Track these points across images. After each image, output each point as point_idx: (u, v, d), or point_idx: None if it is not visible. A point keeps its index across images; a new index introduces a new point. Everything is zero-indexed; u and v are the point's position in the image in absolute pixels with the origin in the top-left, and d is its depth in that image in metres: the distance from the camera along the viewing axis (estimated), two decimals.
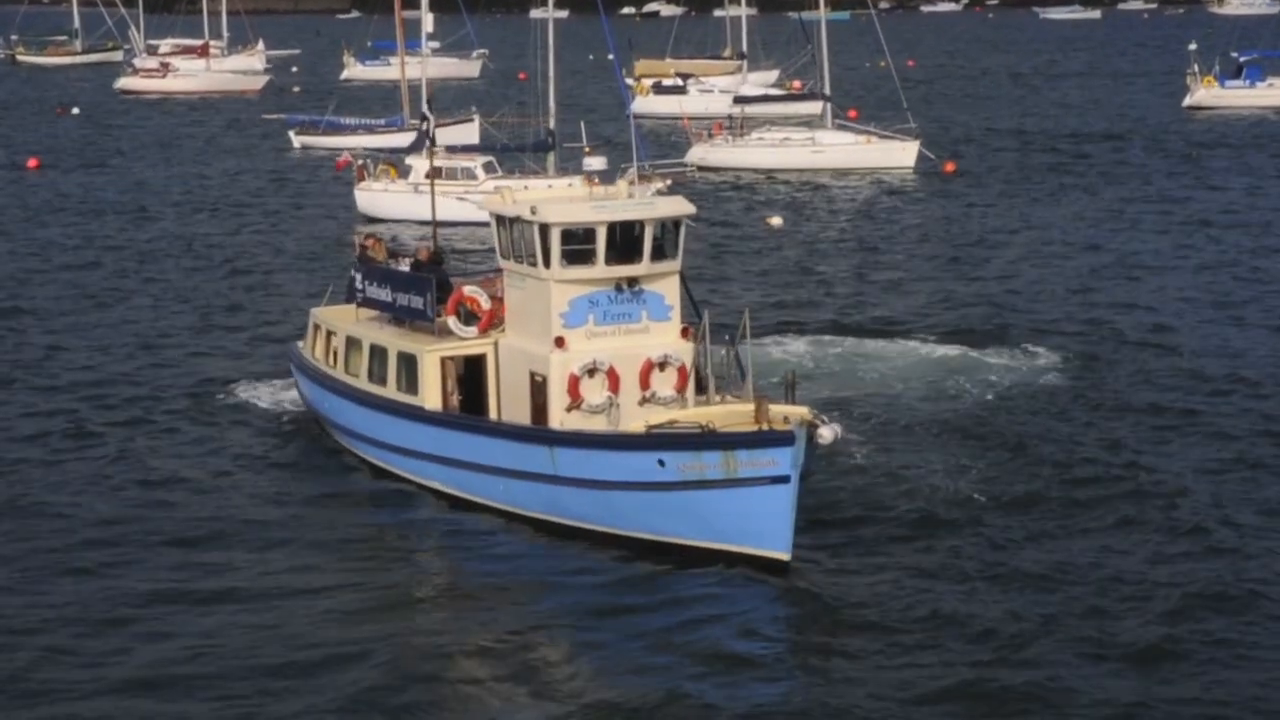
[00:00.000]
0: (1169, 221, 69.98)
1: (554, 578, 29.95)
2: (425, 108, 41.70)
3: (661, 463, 30.05)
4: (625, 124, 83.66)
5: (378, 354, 35.82)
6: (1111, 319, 49.79)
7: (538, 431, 32.23)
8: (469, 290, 34.49)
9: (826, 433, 29.70)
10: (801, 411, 30.23)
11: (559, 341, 32.16)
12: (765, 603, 28.36)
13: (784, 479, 29.02)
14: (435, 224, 43.13)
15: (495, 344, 33.87)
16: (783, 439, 28.99)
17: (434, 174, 46.49)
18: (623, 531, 31.08)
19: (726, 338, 33.58)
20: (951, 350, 45.43)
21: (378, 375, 35.71)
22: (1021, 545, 30.61)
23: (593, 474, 31.08)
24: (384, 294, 36.48)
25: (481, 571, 30.43)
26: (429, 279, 35.19)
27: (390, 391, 35.19)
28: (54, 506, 33.90)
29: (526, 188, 48.92)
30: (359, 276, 37.45)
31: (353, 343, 36.92)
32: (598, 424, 31.99)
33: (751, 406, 30.59)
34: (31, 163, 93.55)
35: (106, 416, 40.45)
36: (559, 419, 32.13)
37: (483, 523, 32.70)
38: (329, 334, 38.21)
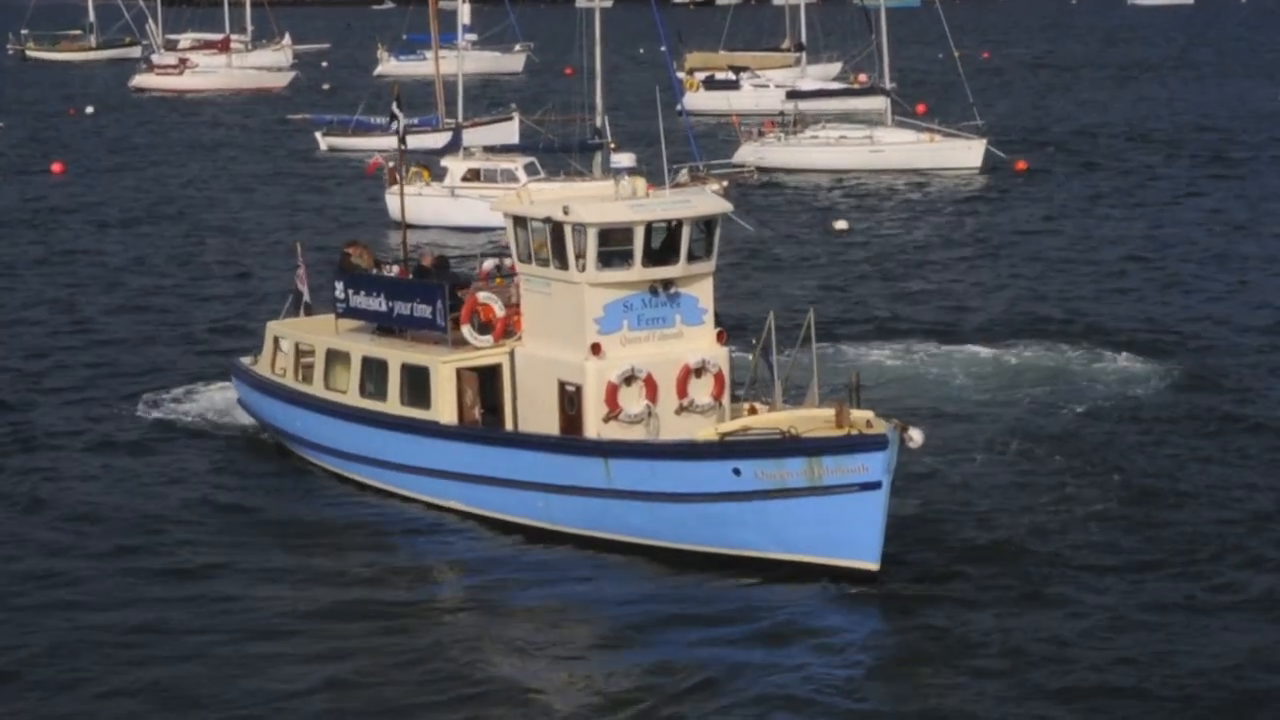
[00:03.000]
0: (1269, 223, 70.26)
1: (613, 597, 30.44)
2: (395, 105, 42.17)
3: (737, 471, 30.56)
4: (675, 121, 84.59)
5: (372, 367, 36.01)
6: (1202, 327, 50.54)
7: (589, 443, 32.55)
8: (483, 297, 34.80)
9: (917, 435, 30.04)
10: (869, 415, 30.87)
11: (595, 349, 32.65)
12: (855, 615, 29.04)
13: (875, 485, 29.67)
14: (405, 227, 43.39)
15: (511, 353, 34.34)
16: (875, 443, 29.58)
17: (401, 175, 47.17)
18: (688, 546, 31.57)
19: (753, 341, 34.45)
20: (1027, 357, 46.39)
21: (373, 390, 35.93)
22: (1114, 564, 31.26)
23: (656, 486, 31.50)
24: (376, 303, 36.55)
25: (526, 593, 30.94)
26: (439, 286, 35.35)
27: (392, 407, 35.43)
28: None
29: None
30: (340, 285, 37.47)
31: (336, 356, 37.06)
32: (636, 434, 32.59)
33: (818, 411, 31.32)
34: (56, 167, 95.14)
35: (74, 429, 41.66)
36: (596, 430, 32.64)
37: (515, 541, 33.25)
38: (299, 348, 38.35)
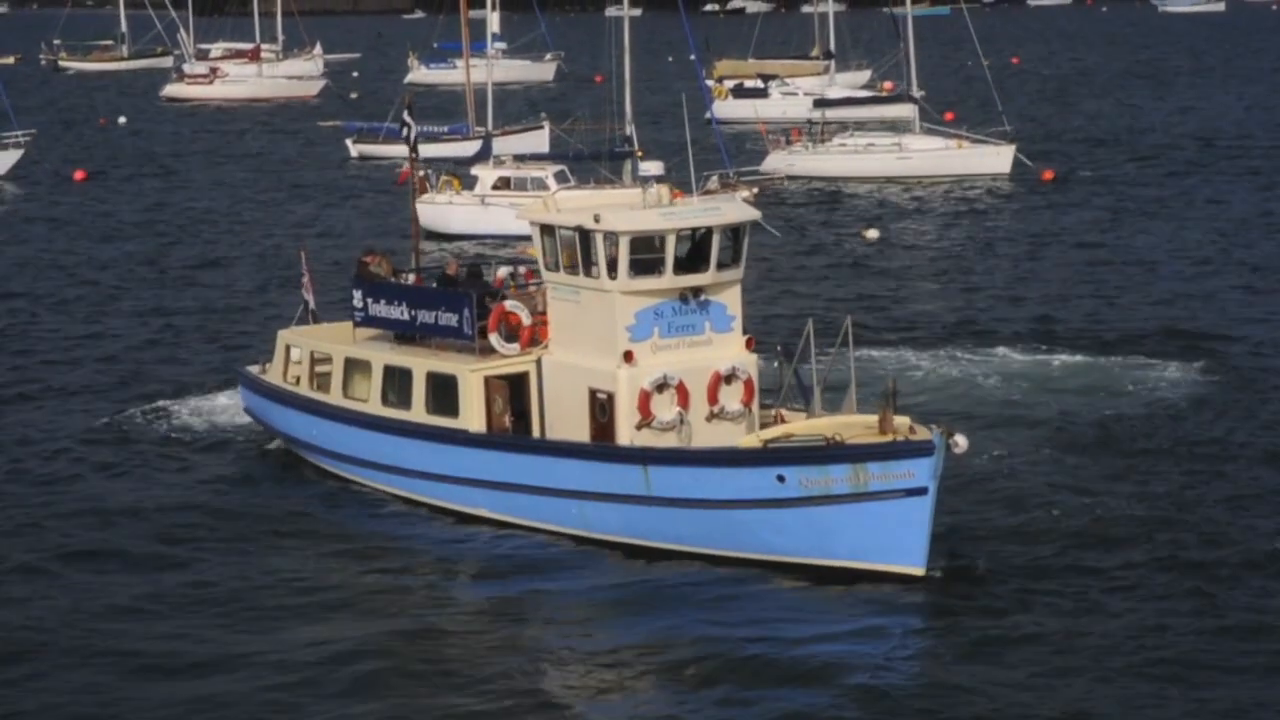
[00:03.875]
0: None
1: (650, 605, 30.41)
2: (405, 114, 42.28)
3: (781, 478, 30.67)
4: (704, 129, 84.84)
5: (395, 376, 36.02)
6: (1235, 333, 50.62)
7: (628, 450, 32.63)
8: (510, 305, 34.94)
9: (962, 440, 30.33)
10: (906, 420, 31.05)
11: (628, 356, 32.80)
12: (900, 620, 29.14)
13: (921, 491, 29.88)
14: (417, 235, 43.07)
15: (538, 361, 34.47)
16: (921, 449, 29.84)
17: (414, 183, 47.04)
18: (730, 553, 31.64)
19: (778, 348, 34.75)
20: (1059, 363, 46.65)
21: (395, 399, 35.95)
22: (1153, 571, 31.24)
23: (697, 493, 31.59)
24: (398, 312, 36.63)
25: (555, 600, 30.87)
26: (467, 295, 35.39)
27: (416, 415, 35.45)
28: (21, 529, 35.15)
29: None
30: (358, 294, 37.48)
31: (355, 365, 37.06)
32: (668, 441, 32.73)
33: (858, 417, 31.53)
34: (78, 175, 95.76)
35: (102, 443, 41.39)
36: (628, 437, 32.78)
37: (544, 548, 33.24)
38: (314, 356, 38.39)
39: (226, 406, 42.82)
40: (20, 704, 27.11)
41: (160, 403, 44.01)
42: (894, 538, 30.24)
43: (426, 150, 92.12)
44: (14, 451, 40.77)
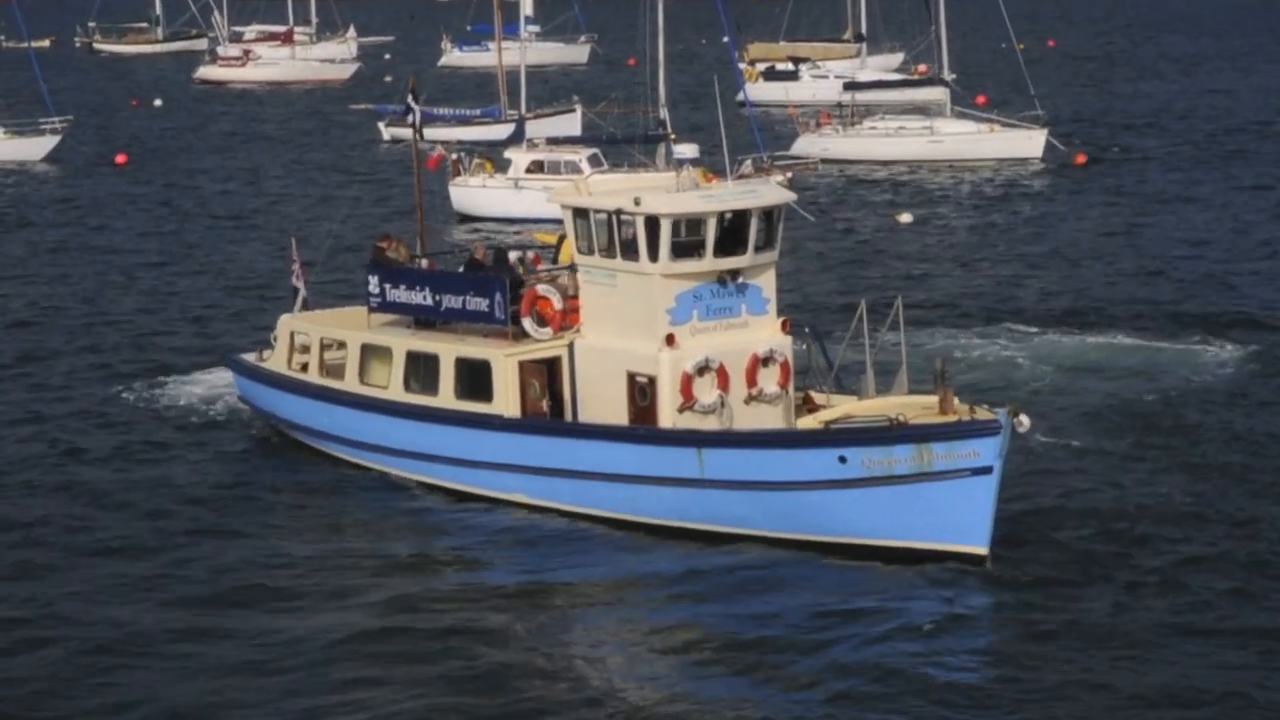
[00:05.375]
0: None
1: (708, 586, 30.29)
2: (410, 98, 42.23)
3: (843, 459, 30.66)
4: (737, 112, 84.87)
5: (419, 361, 35.62)
6: (1275, 317, 50.58)
7: (680, 433, 32.47)
8: (542, 289, 34.73)
9: (1026, 420, 30.31)
10: (953, 400, 31.03)
11: (670, 339, 32.68)
12: (964, 599, 29.12)
13: (986, 470, 29.87)
14: (421, 219, 42.60)
15: (570, 345, 34.31)
16: (988, 428, 29.83)
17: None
18: (787, 535, 31.59)
19: (806, 330, 34.80)
20: (1098, 345, 46.76)
21: (420, 385, 35.52)
22: (1203, 553, 31.18)
23: (754, 475, 31.51)
24: (420, 297, 36.24)
25: (602, 582, 30.81)
26: (499, 279, 35.08)
27: (444, 401, 35.12)
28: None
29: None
30: (375, 280, 37.05)
31: (373, 351, 36.63)
32: (709, 424, 32.66)
33: (915, 398, 31.60)
34: (119, 158, 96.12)
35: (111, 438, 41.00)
36: (670, 420, 32.66)
37: (580, 532, 33.08)
38: (323, 343, 37.99)
39: (227, 391, 42.38)
40: (22, 683, 27.10)
41: (163, 385, 44.04)
42: (958, 517, 30.26)
43: (461, 133, 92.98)
44: (11, 430, 40.85)
